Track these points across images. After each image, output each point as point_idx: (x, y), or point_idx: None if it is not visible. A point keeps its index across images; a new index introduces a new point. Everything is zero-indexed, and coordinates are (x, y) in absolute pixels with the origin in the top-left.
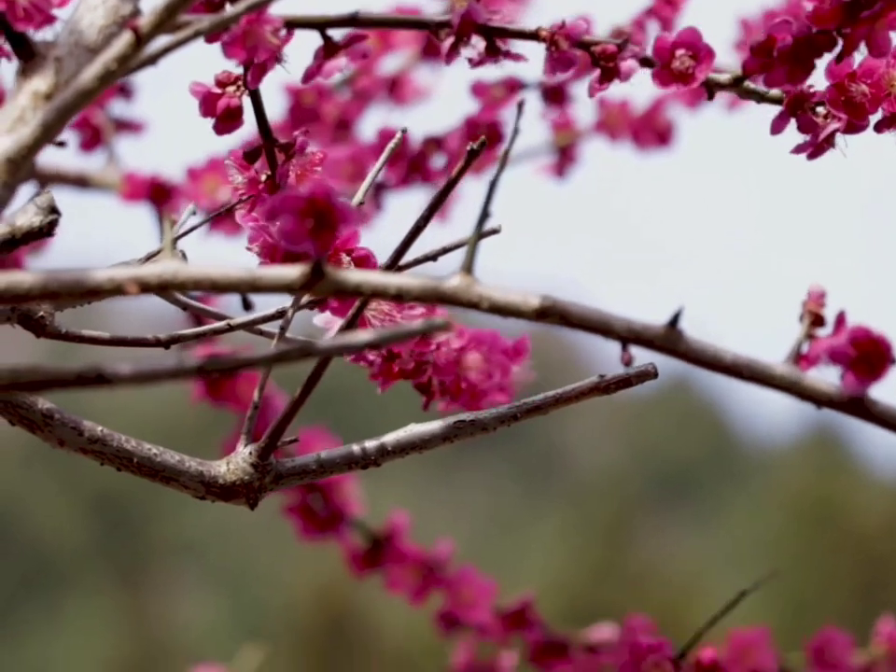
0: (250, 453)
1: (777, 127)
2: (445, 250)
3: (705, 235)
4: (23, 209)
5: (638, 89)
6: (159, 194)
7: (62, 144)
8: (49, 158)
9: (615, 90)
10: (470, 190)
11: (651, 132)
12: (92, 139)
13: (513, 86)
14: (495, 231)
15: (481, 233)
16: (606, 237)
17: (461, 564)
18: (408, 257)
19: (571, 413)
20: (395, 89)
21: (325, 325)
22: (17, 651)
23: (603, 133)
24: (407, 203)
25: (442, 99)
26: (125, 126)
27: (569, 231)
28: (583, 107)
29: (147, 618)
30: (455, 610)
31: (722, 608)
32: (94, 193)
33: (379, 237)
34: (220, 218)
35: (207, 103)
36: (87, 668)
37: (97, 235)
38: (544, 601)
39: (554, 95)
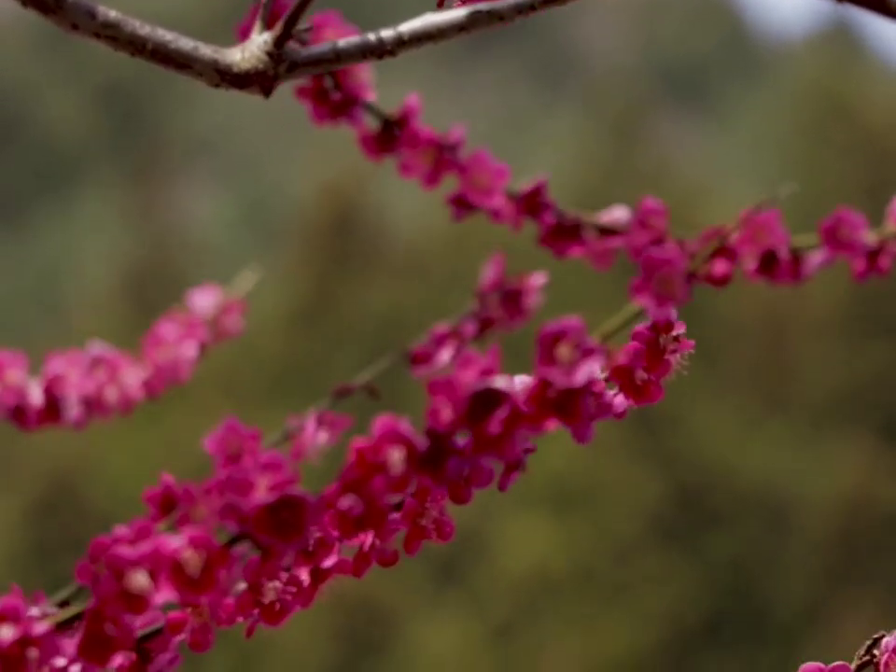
0: (265, 41)
1: None
2: None
3: None
4: None
5: None
6: None
7: None
8: None
9: None
10: None
11: None
12: None
13: None
14: None
15: None
16: None
17: (474, 150)
18: None
19: (585, 8)
20: None
21: None
22: (30, 244)
23: None
24: None
25: None
26: None
27: None
28: None
29: (156, 211)
30: (467, 193)
31: (734, 218)
32: None
33: None
34: None
35: None
36: (99, 260)
37: None
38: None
39: None
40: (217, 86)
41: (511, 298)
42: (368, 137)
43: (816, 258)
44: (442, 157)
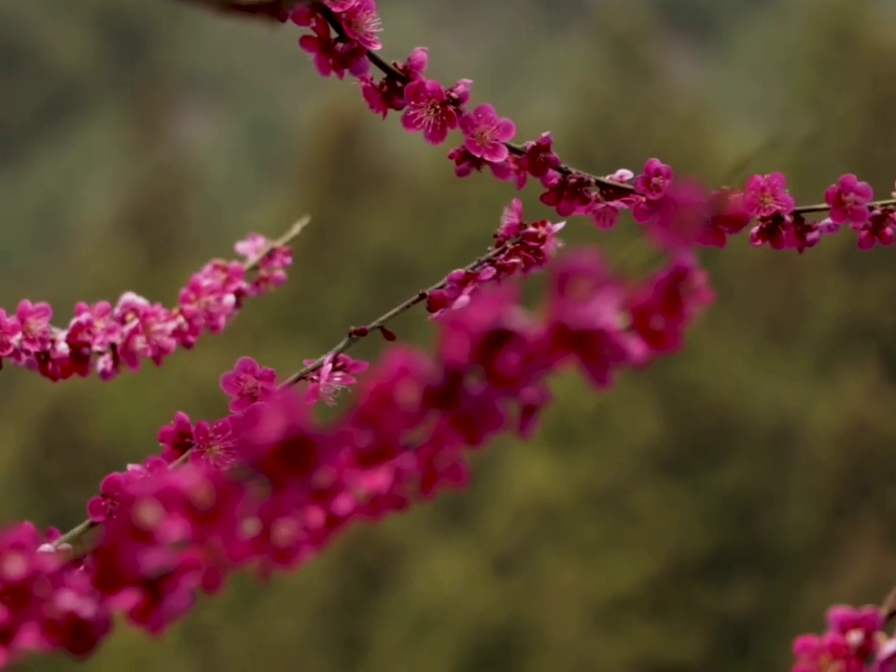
0: None
1: None
2: None
3: None
4: None
5: None
6: None
7: None
8: None
9: None
10: None
11: None
12: None
13: None
14: None
15: None
16: None
17: (478, 101)
18: None
19: None
20: None
21: None
22: (30, 175)
23: None
24: None
25: None
26: None
27: None
28: None
29: (157, 140)
30: (472, 148)
31: (747, 157)
32: None
33: None
34: None
35: None
36: (100, 189)
37: None
38: (559, 138)
39: None
40: (224, 16)
41: (530, 243)
42: (372, 89)
43: (821, 225)
44: (448, 111)
